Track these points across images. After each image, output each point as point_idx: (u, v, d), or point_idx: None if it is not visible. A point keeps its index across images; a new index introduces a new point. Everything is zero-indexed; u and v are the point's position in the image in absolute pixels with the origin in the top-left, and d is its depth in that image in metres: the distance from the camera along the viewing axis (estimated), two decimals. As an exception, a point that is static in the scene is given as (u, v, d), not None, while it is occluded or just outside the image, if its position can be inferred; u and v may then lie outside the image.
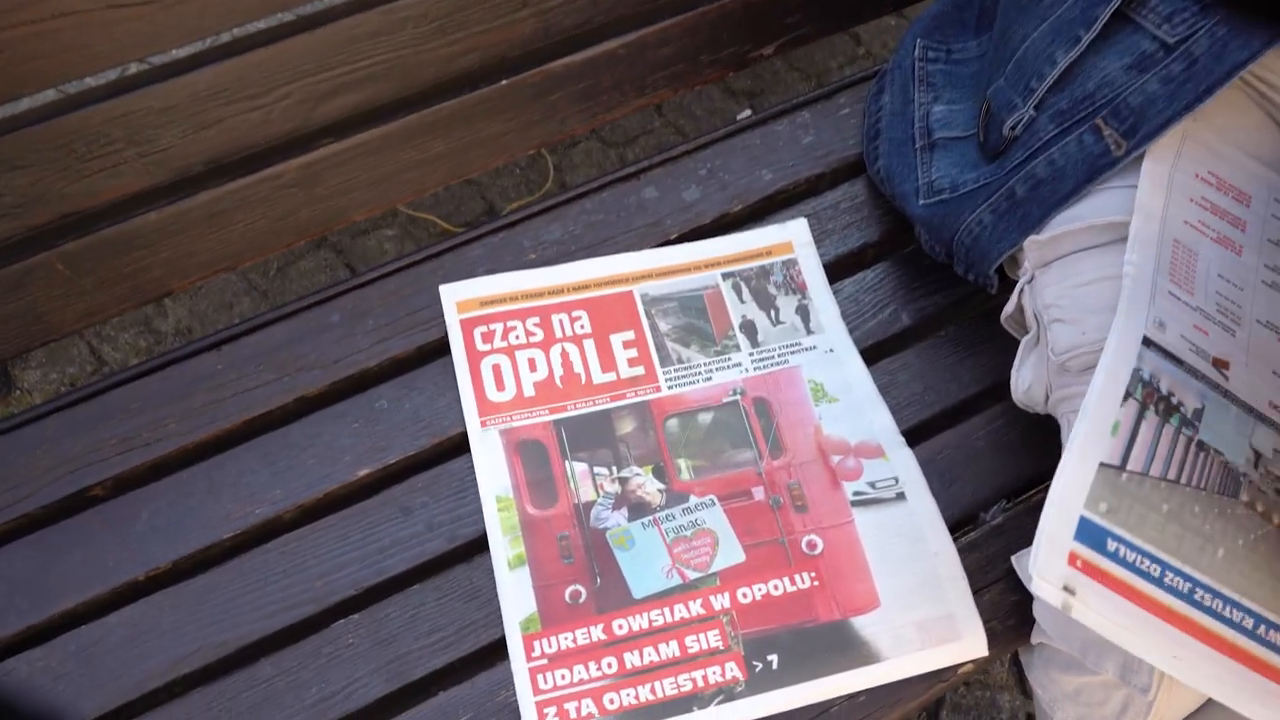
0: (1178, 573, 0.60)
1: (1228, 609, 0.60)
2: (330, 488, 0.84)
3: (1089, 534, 0.60)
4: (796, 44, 1.02)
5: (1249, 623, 0.60)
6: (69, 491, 0.83)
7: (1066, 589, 0.58)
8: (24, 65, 0.72)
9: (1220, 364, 0.67)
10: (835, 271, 0.96)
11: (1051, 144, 0.79)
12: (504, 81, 0.91)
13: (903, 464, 0.84)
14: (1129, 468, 0.62)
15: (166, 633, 0.78)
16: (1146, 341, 0.65)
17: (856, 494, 0.82)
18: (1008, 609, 0.79)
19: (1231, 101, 0.78)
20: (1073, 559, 0.59)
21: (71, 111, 0.76)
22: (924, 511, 0.81)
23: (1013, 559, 0.79)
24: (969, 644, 0.76)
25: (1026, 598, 0.78)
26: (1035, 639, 0.77)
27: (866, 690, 0.75)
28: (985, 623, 0.77)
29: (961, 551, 0.80)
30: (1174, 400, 0.64)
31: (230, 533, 0.82)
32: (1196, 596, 0.60)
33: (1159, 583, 0.60)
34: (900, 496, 0.82)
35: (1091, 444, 0.62)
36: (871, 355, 0.91)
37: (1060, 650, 0.74)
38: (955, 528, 0.82)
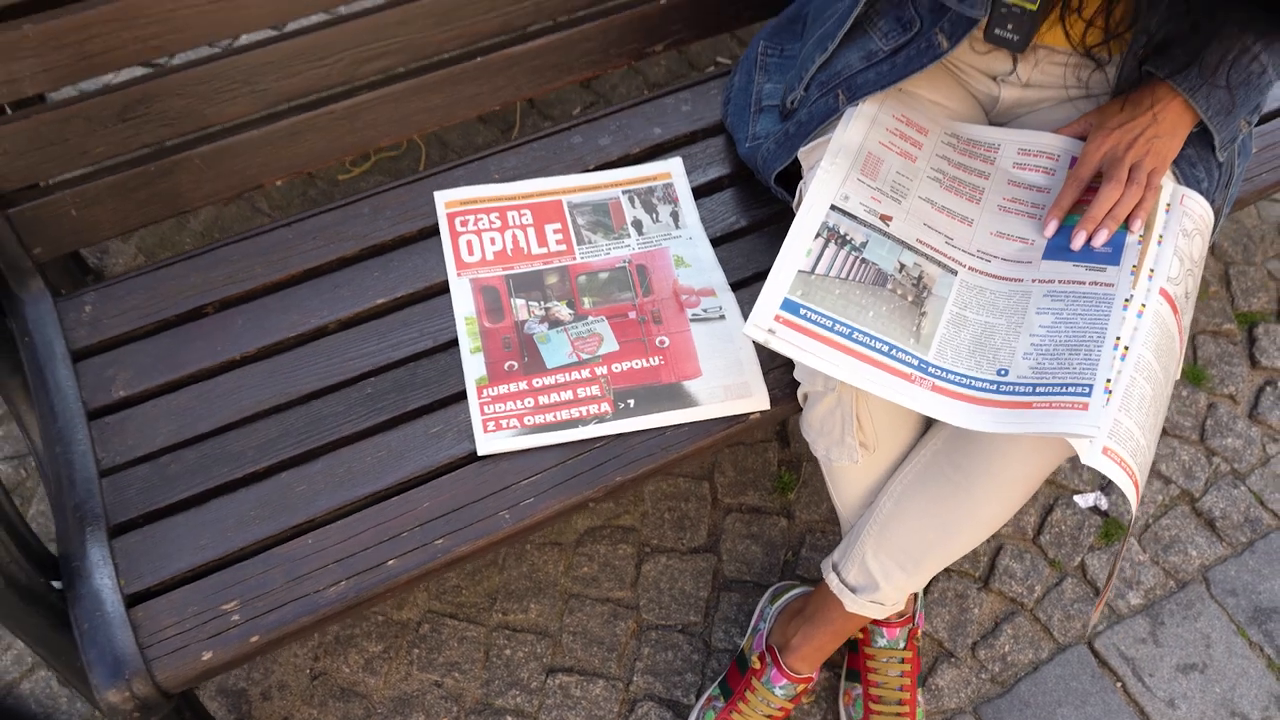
0: (842, 324, 1.04)
1: (872, 341, 1.05)
2: (359, 309, 1.31)
3: (789, 306, 1.04)
4: (679, 44, 1.51)
5: (884, 348, 1.05)
6: (189, 308, 1.30)
7: (770, 331, 1.02)
8: (185, 30, 1.21)
9: (885, 218, 1.14)
10: (700, 192, 1.43)
11: (813, 104, 1.27)
12: (478, 59, 1.40)
13: (727, 300, 1.31)
14: (816, 272, 1.07)
15: (258, 386, 1.24)
16: (834, 208, 1.12)
17: (694, 315, 1.29)
18: (787, 384, 1.25)
19: (933, 72, 1.26)
20: (777, 319, 1.03)
21: (210, 63, 1.25)
22: (736, 326, 1.28)
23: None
24: (757, 400, 1.22)
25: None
26: (800, 398, 1.23)
27: (688, 423, 1.21)
28: (769, 390, 1.23)
29: (758, 350, 1.27)
30: (848, 237, 1.10)
31: (293, 333, 1.29)
32: (854, 337, 1.04)
33: (830, 329, 1.04)
34: (722, 317, 1.29)
35: (792, 261, 1.06)
36: (718, 242, 1.38)
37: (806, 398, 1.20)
38: (757, 338, 1.28)
